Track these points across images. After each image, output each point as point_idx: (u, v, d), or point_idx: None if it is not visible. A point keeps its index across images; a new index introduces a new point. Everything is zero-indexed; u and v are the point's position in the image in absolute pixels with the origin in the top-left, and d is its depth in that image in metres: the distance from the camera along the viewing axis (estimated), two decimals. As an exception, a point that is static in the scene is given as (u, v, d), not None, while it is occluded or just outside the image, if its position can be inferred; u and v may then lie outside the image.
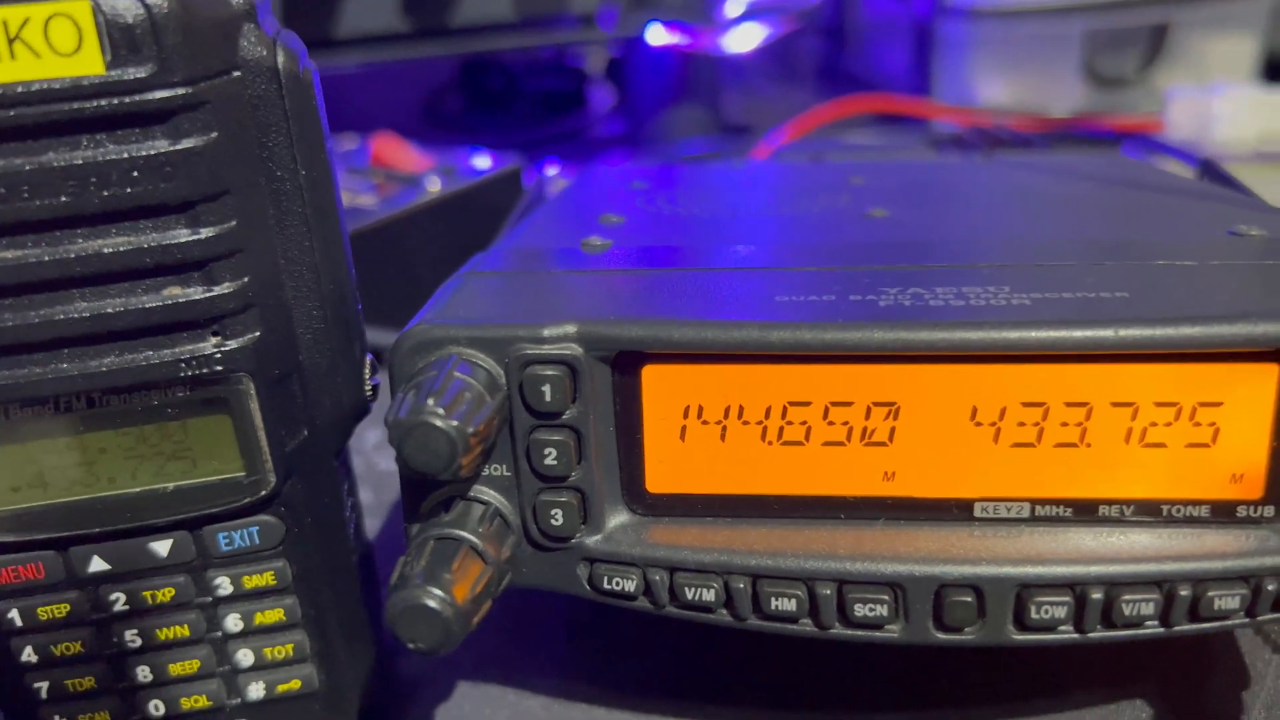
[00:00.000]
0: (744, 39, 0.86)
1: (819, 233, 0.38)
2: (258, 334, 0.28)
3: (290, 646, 0.32)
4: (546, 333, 0.28)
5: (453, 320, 0.29)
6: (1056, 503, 0.29)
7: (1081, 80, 0.91)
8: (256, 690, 0.32)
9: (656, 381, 0.29)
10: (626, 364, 0.29)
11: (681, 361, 0.29)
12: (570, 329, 0.28)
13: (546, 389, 0.28)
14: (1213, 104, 0.77)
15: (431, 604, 0.25)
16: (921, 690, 0.35)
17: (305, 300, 0.29)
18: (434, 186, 0.62)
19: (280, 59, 0.27)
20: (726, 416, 0.29)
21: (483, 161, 0.70)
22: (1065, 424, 0.28)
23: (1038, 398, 0.28)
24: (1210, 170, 0.48)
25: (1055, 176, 0.46)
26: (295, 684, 0.32)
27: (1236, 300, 0.28)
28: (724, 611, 0.29)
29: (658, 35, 0.79)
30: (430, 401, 0.25)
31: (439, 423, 0.25)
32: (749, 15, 0.87)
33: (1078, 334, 0.26)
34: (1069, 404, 0.28)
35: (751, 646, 0.37)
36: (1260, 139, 0.78)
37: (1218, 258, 0.31)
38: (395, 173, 0.65)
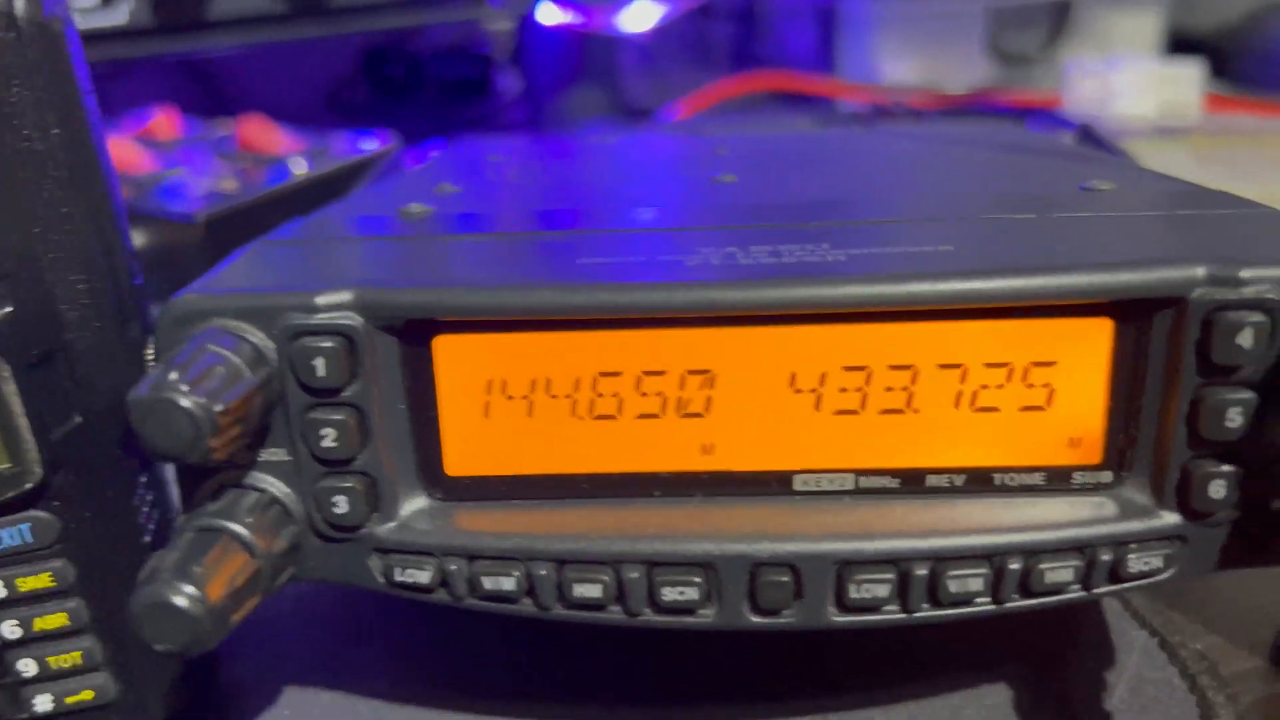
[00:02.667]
0: (640, 18, 0.84)
1: (653, 198, 0.36)
2: (10, 310, 0.25)
3: (78, 654, 0.29)
4: (320, 301, 0.25)
5: (219, 290, 0.26)
6: (882, 473, 0.27)
7: (986, 57, 0.90)
8: (44, 703, 0.29)
9: (452, 353, 0.27)
10: (415, 335, 0.26)
11: (479, 331, 0.26)
12: (346, 296, 0.25)
13: (320, 363, 0.25)
14: (1111, 78, 0.76)
15: (178, 601, 0.23)
16: (771, 675, 0.33)
17: (68, 273, 0.27)
18: (299, 169, 0.59)
19: (18, 4, 0.25)
20: (533, 390, 0.27)
21: (369, 144, 0.67)
22: (890, 389, 0.26)
23: (860, 361, 0.26)
24: (1087, 135, 0.46)
25: (925, 143, 0.45)
26: (88, 694, 0.30)
27: (1069, 251, 0.26)
28: (527, 601, 0.27)
29: (550, 14, 0.77)
30: (173, 377, 0.23)
31: (181, 400, 0.22)
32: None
33: (887, 288, 0.24)
34: (893, 367, 0.26)
35: (600, 641, 0.34)
36: (1159, 113, 0.77)
37: (1061, 211, 0.30)
38: (262, 156, 0.62)
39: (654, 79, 1.02)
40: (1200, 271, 0.24)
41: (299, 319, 0.25)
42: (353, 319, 0.25)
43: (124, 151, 0.60)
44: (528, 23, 0.79)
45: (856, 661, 0.33)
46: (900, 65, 0.89)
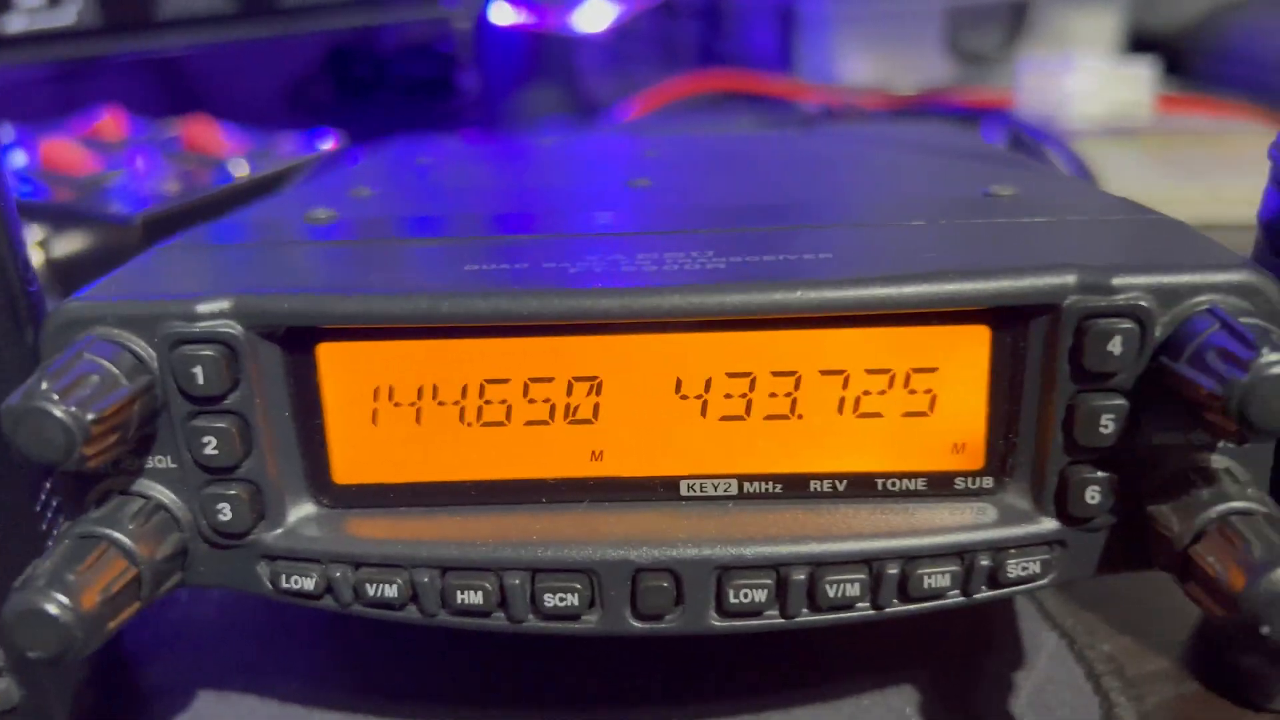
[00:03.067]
0: (594, 18, 0.84)
1: (562, 204, 0.36)
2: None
3: (-24, 659, 0.29)
4: (200, 308, 0.25)
5: (101, 297, 0.26)
6: (765, 478, 0.27)
7: (945, 57, 0.91)
8: (-56, 710, 0.29)
9: (336, 361, 0.27)
10: (298, 342, 0.26)
11: (364, 338, 0.26)
12: (225, 304, 0.25)
13: (199, 371, 0.25)
14: (1063, 78, 0.76)
15: (49, 608, 0.23)
16: (671, 677, 0.33)
17: (-45, 279, 0.27)
18: (240, 171, 0.59)
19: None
20: (420, 397, 0.27)
21: (322, 144, 0.67)
22: (774, 394, 0.27)
23: (744, 368, 0.26)
24: (1018, 138, 0.46)
25: (851, 145, 0.45)
26: (-11, 700, 0.30)
27: (948, 258, 0.26)
28: (412, 608, 0.27)
29: (503, 13, 0.77)
30: (45, 386, 0.23)
31: (52, 409, 0.22)
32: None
33: (755, 297, 0.25)
34: (776, 373, 0.26)
35: (521, 645, 0.34)
36: (1112, 113, 0.78)
37: (952, 217, 0.30)
38: (206, 157, 0.62)
39: (617, 77, 1.03)
40: (1072, 279, 0.25)
41: (179, 327, 0.25)
42: (233, 327, 0.25)
43: (67, 152, 0.60)
44: (481, 22, 0.79)
45: (758, 662, 0.33)
46: (858, 65, 0.89)
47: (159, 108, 0.77)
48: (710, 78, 0.82)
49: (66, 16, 0.67)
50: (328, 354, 0.26)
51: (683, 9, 1.04)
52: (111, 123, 0.66)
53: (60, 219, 0.56)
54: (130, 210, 0.54)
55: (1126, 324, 0.24)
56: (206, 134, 0.62)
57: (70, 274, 0.56)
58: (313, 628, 0.37)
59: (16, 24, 0.65)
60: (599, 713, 0.32)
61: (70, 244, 0.55)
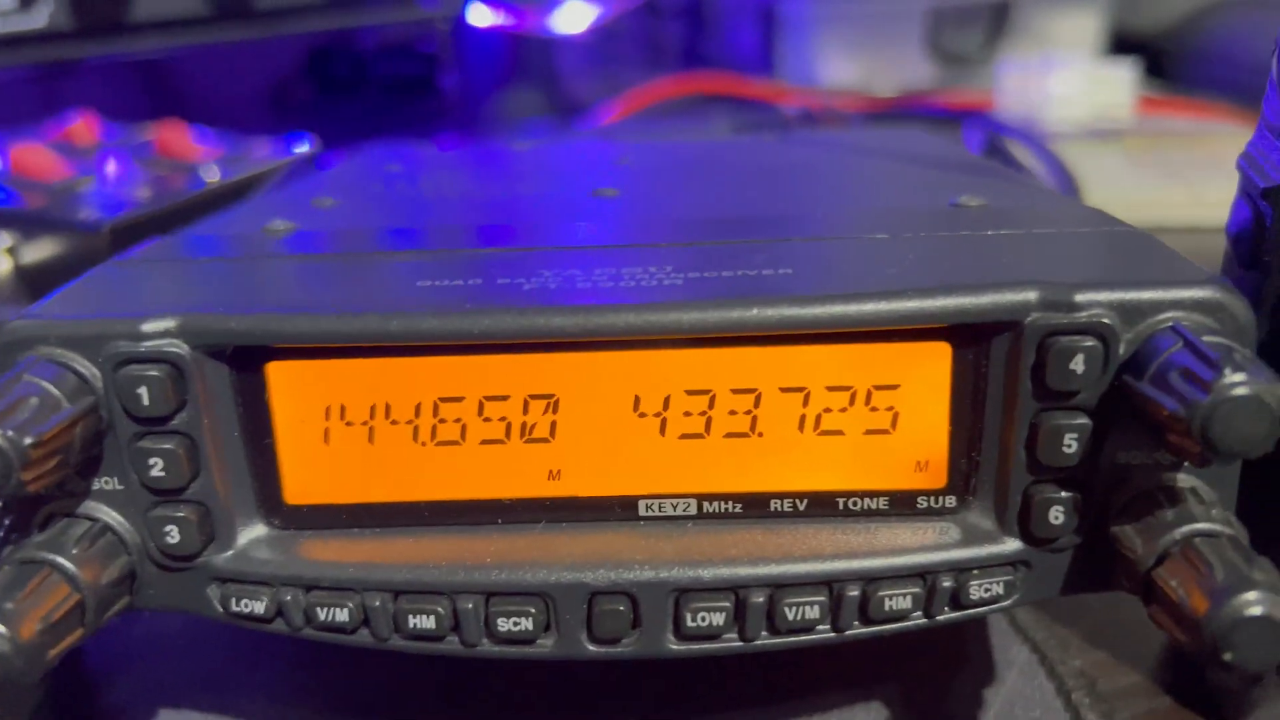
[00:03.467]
0: (573, 19, 0.83)
1: (526, 214, 0.35)
2: None
3: (-71, 685, 0.29)
4: (145, 328, 0.25)
5: (44, 316, 0.25)
6: (725, 498, 0.27)
7: (927, 58, 0.90)
8: (-106, 735, 0.29)
9: (286, 380, 0.26)
10: (246, 361, 0.26)
11: (315, 356, 0.26)
12: (171, 323, 0.25)
13: (144, 391, 0.25)
14: (1044, 79, 0.76)
15: (-18, 638, 0.22)
16: (637, 696, 0.32)
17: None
18: (212, 177, 0.58)
19: None
20: (373, 416, 0.27)
21: (298, 148, 0.67)
22: (734, 412, 0.26)
23: (703, 385, 0.26)
24: (993, 145, 0.46)
25: (822, 152, 0.44)
26: (-61, 725, 0.29)
27: (910, 274, 0.26)
28: (364, 632, 0.26)
29: (481, 15, 0.76)
30: (-19, 409, 0.22)
31: (-12, 434, 0.22)
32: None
33: (710, 314, 0.24)
34: (736, 390, 0.26)
35: (484, 664, 0.34)
36: (1093, 114, 0.77)
37: (916, 230, 0.29)
38: (179, 163, 0.61)
39: (602, 79, 1.02)
40: (1033, 295, 0.24)
41: (124, 346, 0.25)
42: (178, 346, 0.25)
43: (38, 158, 0.59)
44: (460, 24, 0.78)
45: (726, 678, 0.33)
46: (840, 66, 0.89)
47: (136, 111, 0.76)
48: (691, 80, 0.82)
49: (38, 19, 0.66)
50: (277, 373, 0.26)
51: (666, 10, 1.04)
52: (83, 127, 0.65)
53: (30, 225, 0.55)
54: (99, 217, 0.53)
55: (1089, 341, 0.24)
56: (178, 139, 0.61)
57: (39, 282, 0.56)
58: (279, 641, 0.36)
59: (-14, 27, 0.64)
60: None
61: (39, 251, 0.55)
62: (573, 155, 0.49)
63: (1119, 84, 0.78)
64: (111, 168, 0.61)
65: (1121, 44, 0.96)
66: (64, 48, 0.68)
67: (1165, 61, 0.95)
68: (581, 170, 0.43)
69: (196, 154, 0.61)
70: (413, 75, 1.08)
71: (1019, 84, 0.77)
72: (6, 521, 0.30)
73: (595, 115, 0.78)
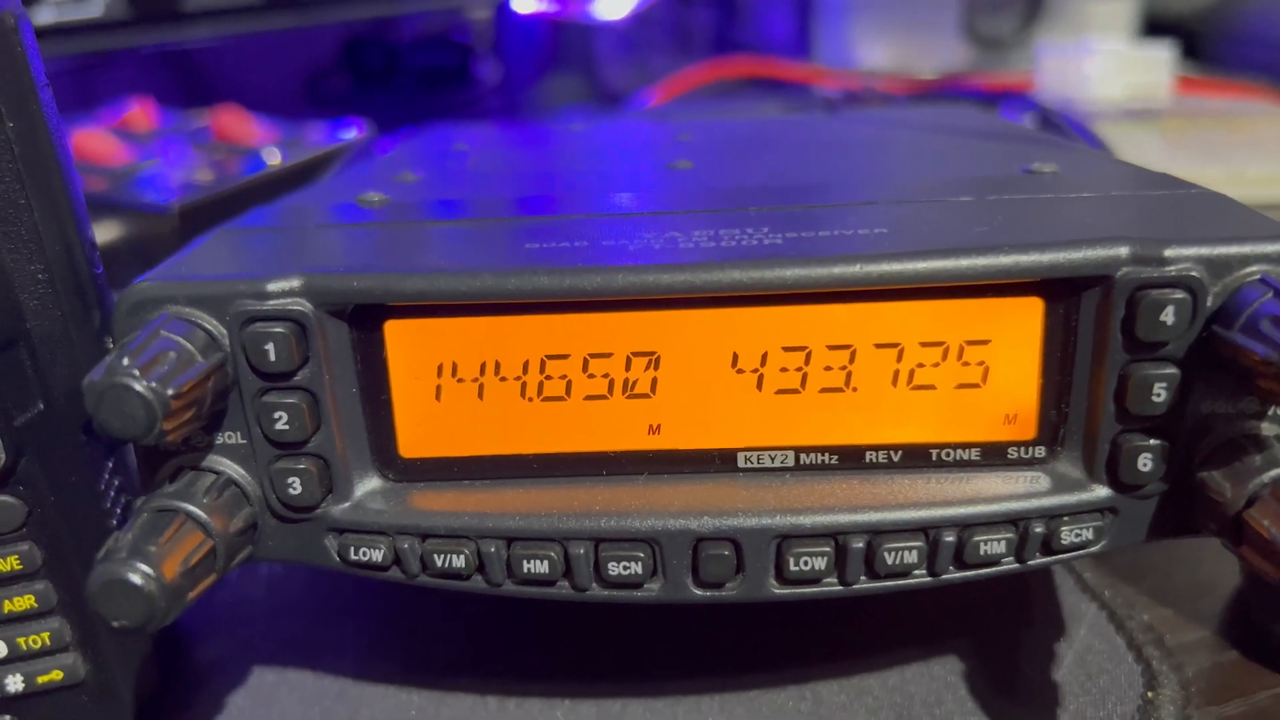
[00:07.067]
0: (615, 6, 0.84)
1: (608, 185, 0.36)
2: (-32, 300, 0.26)
3: (47, 635, 0.30)
4: (270, 287, 0.26)
5: (173, 277, 0.27)
6: (821, 450, 0.28)
7: (962, 41, 0.91)
8: (15, 683, 0.30)
9: (403, 338, 0.27)
10: (366, 320, 0.27)
11: (429, 315, 0.27)
12: (295, 283, 0.26)
13: (270, 348, 0.26)
14: (1082, 62, 0.76)
15: (133, 579, 0.23)
16: (720, 647, 0.33)
17: (26, 263, 0.27)
18: (273, 159, 0.59)
19: (-30, 2, 0.25)
20: (483, 373, 0.28)
21: (345, 134, 0.68)
22: (829, 368, 0.27)
23: (799, 341, 0.27)
24: (1046, 118, 0.47)
25: (880, 128, 0.45)
26: (57, 675, 0.30)
27: (999, 232, 0.27)
28: (478, 578, 0.27)
29: (524, 2, 0.77)
30: (125, 362, 0.23)
31: (134, 385, 0.23)
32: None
33: (817, 270, 0.25)
34: (831, 347, 0.27)
35: (560, 619, 0.35)
36: (1130, 95, 0.78)
37: (998, 193, 0.30)
38: (237, 147, 0.62)
39: (635, 65, 1.03)
40: (1124, 251, 0.25)
41: (250, 305, 0.26)
42: (302, 305, 0.26)
43: (100, 143, 0.61)
44: (504, 11, 0.79)
45: (807, 633, 0.34)
46: (875, 50, 0.90)
47: (175, 99, 0.78)
48: (730, 64, 0.82)
49: (94, 9, 0.68)
50: (394, 331, 0.27)
51: (700, -2, 1.05)
52: (141, 114, 0.67)
53: (96, 208, 0.56)
54: (166, 199, 0.55)
55: (1179, 294, 0.25)
56: (238, 123, 0.62)
57: (107, 263, 0.57)
58: (360, 605, 0.38)
59: (44, 16, 0.65)
60: (656, 680, 0.32)
61: (107, 232, 0.56)
62: (632, 134, 0.50)
63: (1156, 65, 0.79)
64: (170, 152, 0.63)
65: (1155, 26, 0.96)
66: (119, 37, 0.69)
67: (1198, 43, 0.95)
68: (647, 146, 0.44)
69: (256, 138, 0.62)
70: (447, 65, 1.09)
71: (1058, 66, 0.77)
72: (115, 481, 0.31)
73: (636, 100, 0.79)
